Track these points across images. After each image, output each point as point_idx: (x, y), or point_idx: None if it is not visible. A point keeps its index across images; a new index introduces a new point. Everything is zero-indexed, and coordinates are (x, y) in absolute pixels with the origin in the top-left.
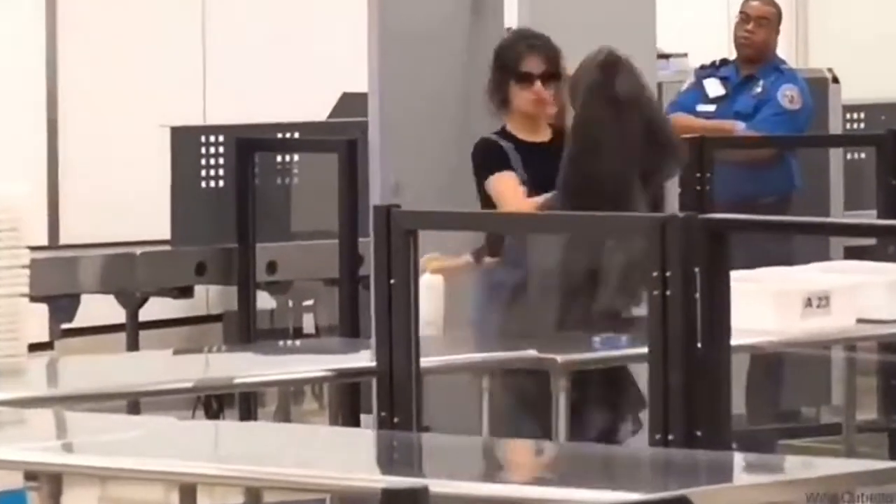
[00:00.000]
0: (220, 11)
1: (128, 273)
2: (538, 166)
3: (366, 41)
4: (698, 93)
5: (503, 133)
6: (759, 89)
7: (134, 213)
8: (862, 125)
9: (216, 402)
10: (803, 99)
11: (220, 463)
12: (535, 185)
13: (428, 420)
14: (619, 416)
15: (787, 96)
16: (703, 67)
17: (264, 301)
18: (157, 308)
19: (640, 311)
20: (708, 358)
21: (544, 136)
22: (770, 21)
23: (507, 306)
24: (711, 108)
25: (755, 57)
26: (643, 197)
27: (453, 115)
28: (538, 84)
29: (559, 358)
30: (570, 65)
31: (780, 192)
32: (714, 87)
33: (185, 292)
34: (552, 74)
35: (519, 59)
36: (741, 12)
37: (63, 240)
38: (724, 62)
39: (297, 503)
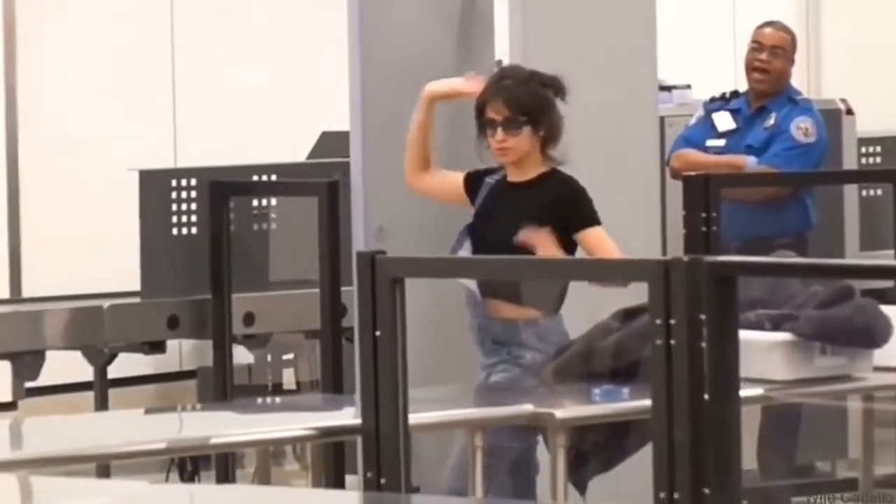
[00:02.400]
0: (191, 47)
1: (95, 327)
2: (503, 201)
3: (346, 76)
4: (707, 126)
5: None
6: (771, 121)
7: (101, 263)
8: (878, 159)
9: (191, 463)
10: (818, 132)
11: None
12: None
13: (417, 480)
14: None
15: (802, 129)
16: (712, 100)
17: (241, 355)
18: (126, 364)
19: None
20: (716, 410)
21: (526, 175)
22: (785, 50)
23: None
24: (721, 142)
25: (770, 89)
26: None
27: (440, 152)
28: (499, 131)
29: (557, 413)
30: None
31: (795, 231)
32: (724, 121)
33: (157, 347)
34: (510, 119)
35: (484, 106)
36: (754, 41)
37: (26, 292)
38: (735, 94)
39: None
